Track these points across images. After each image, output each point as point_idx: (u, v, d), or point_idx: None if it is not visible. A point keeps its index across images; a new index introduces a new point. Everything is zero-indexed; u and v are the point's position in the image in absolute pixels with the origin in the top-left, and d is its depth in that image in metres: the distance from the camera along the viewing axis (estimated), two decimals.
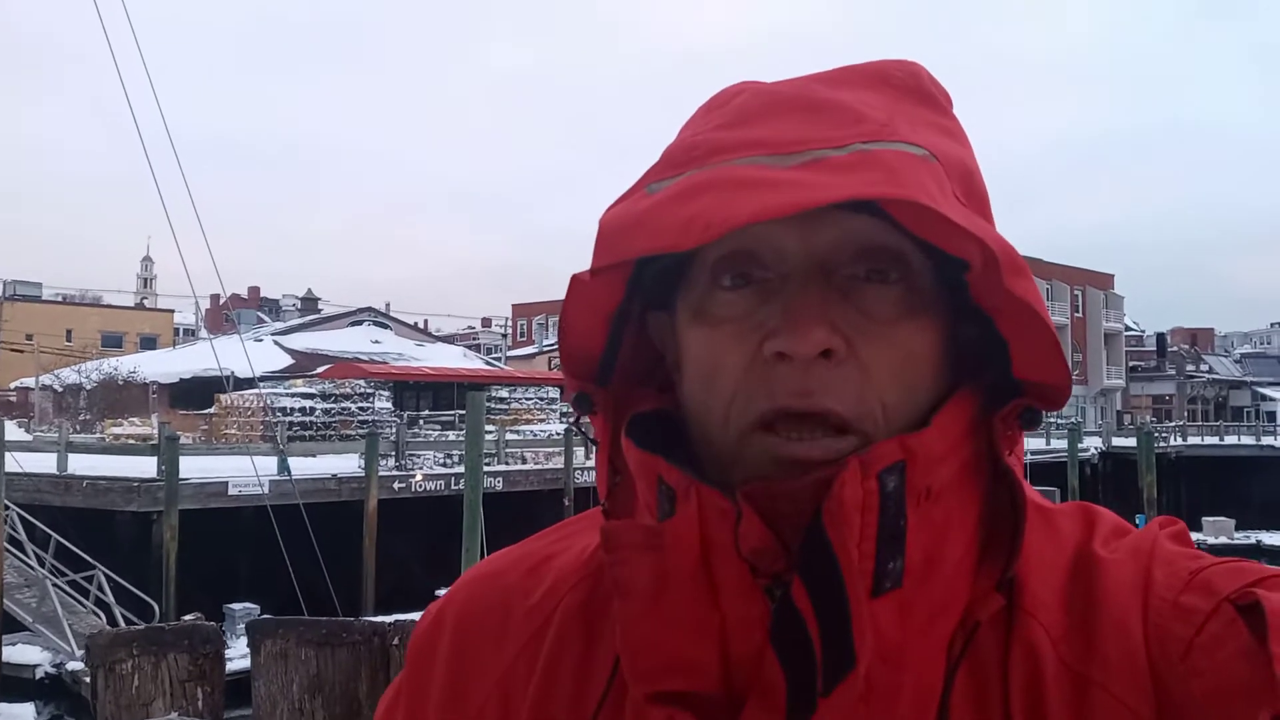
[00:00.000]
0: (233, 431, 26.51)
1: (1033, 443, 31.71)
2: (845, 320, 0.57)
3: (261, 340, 37.69)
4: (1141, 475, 22.84)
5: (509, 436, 24.47)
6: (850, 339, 0.57)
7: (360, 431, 24.34)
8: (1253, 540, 26.48)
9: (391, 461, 20.47)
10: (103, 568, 14.29)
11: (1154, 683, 0.54)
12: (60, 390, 36.45)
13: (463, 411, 17.92)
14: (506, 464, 21.97)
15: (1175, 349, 72.02)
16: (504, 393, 32.74)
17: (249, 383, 21.64)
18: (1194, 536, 0.62)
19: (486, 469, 14.54)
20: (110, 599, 14.07)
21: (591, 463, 0.69)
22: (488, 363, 46.22)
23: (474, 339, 70.26)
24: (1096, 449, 34.22)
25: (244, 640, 8.96)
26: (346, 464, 19.71)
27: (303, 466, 18.43)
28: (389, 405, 29.54)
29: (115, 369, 35.75)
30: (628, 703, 0.59)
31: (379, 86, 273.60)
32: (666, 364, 0.66)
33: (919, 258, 0.58)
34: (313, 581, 11.53)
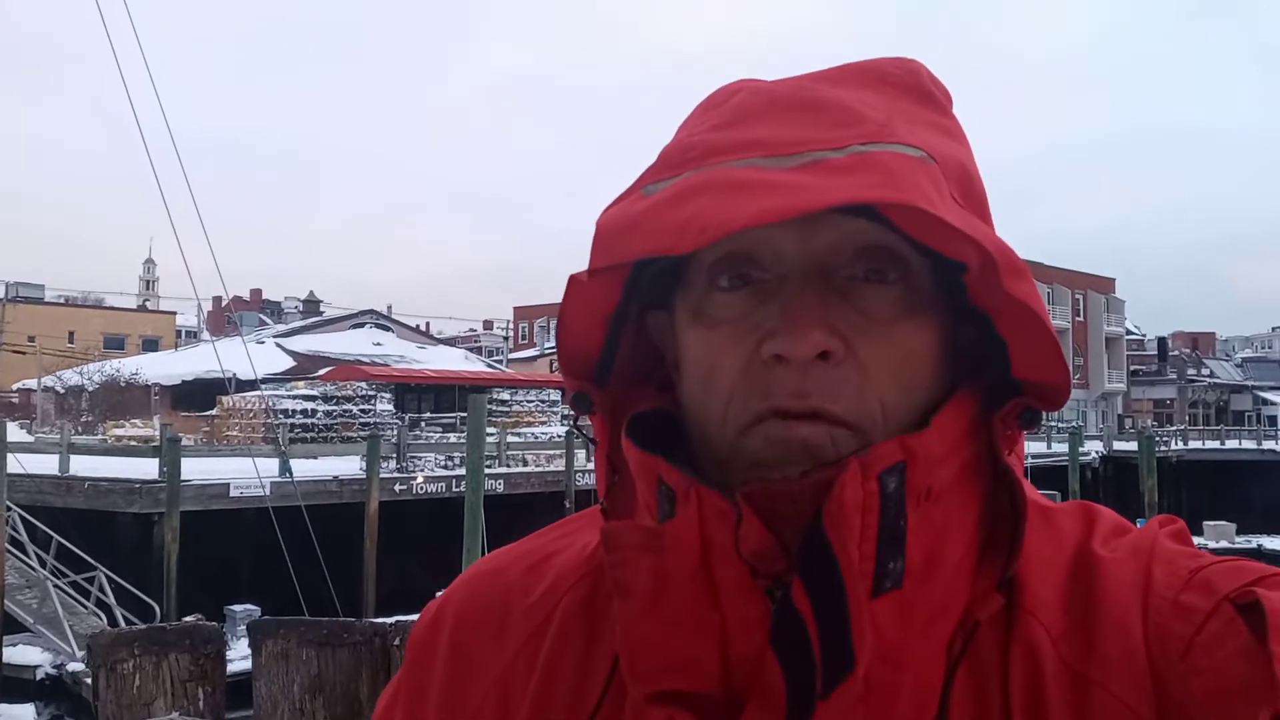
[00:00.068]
0: (234, 433, 26.52)
1: (1034, 446, 31.68)
2: (844, 321, 0.57)
3: (263, 342, 37.71)
4: (1142, 479, 22.85)
5: (510, 439, 24.47)
6: (849, 339, 0.57)
7: (362, 434, 24.34)
8: (1254, 545, 26.39)
9: (393, 464, 20.47)
10: (104, 569, 14.30)
11: (1154, 682, 0.54)
12: (62, 392, 36.45)
13: (464, 414, 17.93)
14: (508, 466, 21.98)
15: (1176, 353, 71.98)
16: (505, 395, 32.74)
17: (251, 384, 21.65)
18: (1195, 541, 0.62)
19: (488, 471, 14.54)
20: (111, 600, 14.08)
21: (592, 465, 0.69)
22: (489, 365, 46.23)
23: (475, 341, 70.26)
24: (1098, 453, 34.15)
25: (244, 642, 8.98)
26: (348, 466, 19.71)
27: (304, 468, 18.44)
28: (390, 407, 29.54)
29: (117, 370, 35.78)
30: (627, 702, 0.59)
31: (379, 86, 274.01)
32: (666, 363, 0.66)
33: (917, 258, 0.58)
34: (313, 583, 11.53)
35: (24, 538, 14.69)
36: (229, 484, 16.96)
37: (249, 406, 26.53)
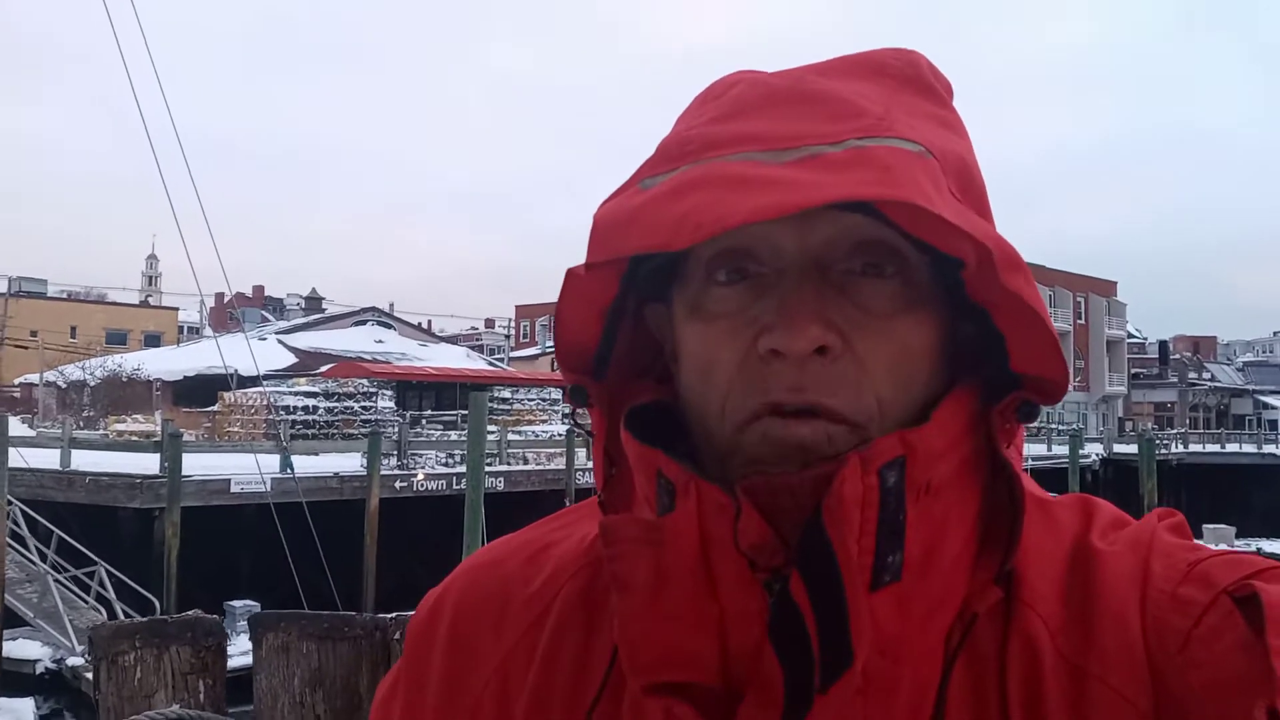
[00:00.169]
0: (236, 429, 26.54)
1: (1034, 448, 31.67)
2: (841, 315, 0.57)
3: (265, 339, 37.71)
4: (1143, 482, 22.79)
5: (511, 437, 24.47)
6: (846, 334, 0.57)
7: (363, 431, 24.34)
8: (1253, 548, 26.40)
9: (394, 461, 20.48)
10: (104, 564, 14.31)
11: (1152, 675, 0.54)
12: (64, 386, 36.49)
13: (465, 412, 17.94)
14: (508, 464, 21.98)
15: (1178, 356, 71.93)
16: (506, 393, 32.75)
17: (253, 381, 21.66)
18: None
19: (488, 469, 14.54)
20: (111, 595, 14.08)
21: (592, 464, 0.69)
22: (490, 363, 46.25)
23: (477, 339, 70.28)
24: (1098, 456, 34.13)
25: (244, 638, 8.99)
26: (349, 463, 19.72)
27: (305, 465, 18.44)
28: (392, 405, 29.55)
29: (119, 366, 35.83)
30: (625, 694, 0.59)
31: (381, 86, 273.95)
32: (665, 355, 0.66)
33: (915, 252, 0.58)
34: (314, 580, 11.54)
35: (25, 532, 14.69)
36: (230, 480, 16.96)
37: (251, 403, 26.54)
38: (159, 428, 21.60)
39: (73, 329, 52.27)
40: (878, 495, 0.54)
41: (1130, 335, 66.48)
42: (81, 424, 28.85)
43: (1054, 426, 38.81)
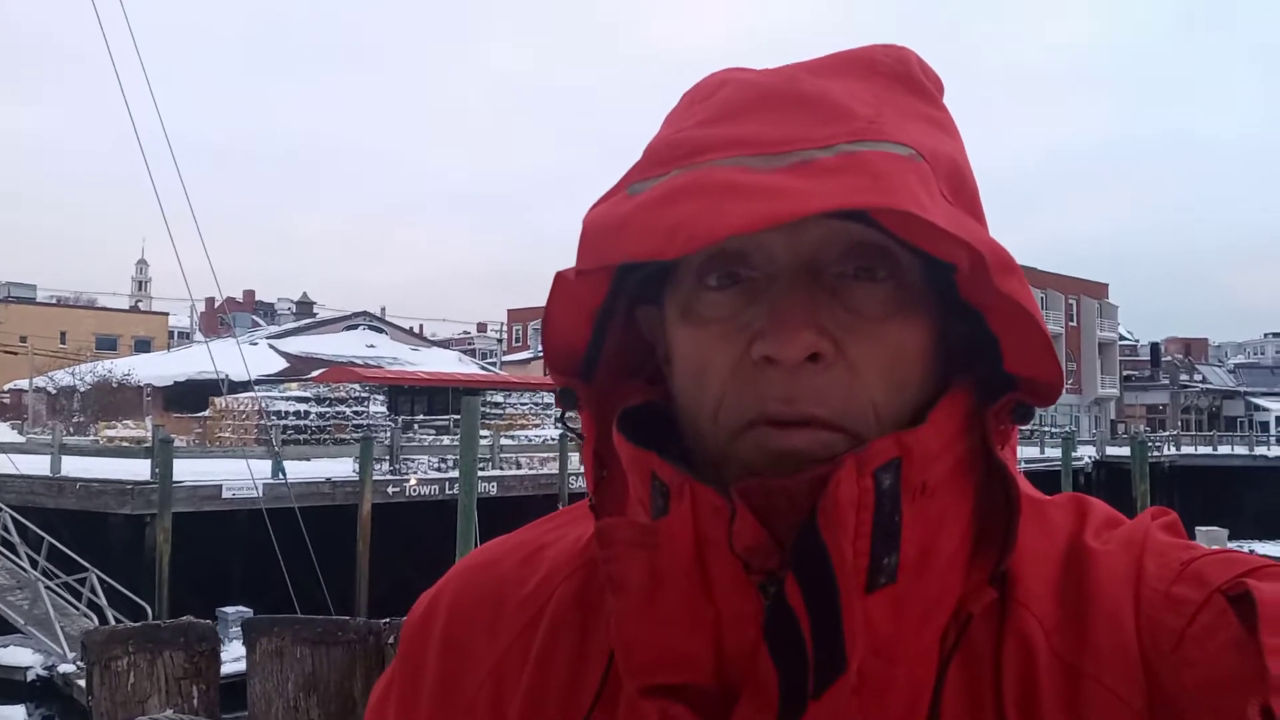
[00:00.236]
0: (227, 434, 26.47)
1: (1027, 451, 31.77)
2: (833, 320, 0.57)
3: (256, 343, 37.64)
4: (1135, 484, 22.90)
5: (504, 441, 24.44)
6: (838, 339, 0.57)
7: (355, 435, 24.32)
8: (1245, 550, 26.44)
9: (386, 466, 20.45)
10: (95, 570, 14.23)
11: (1145, 673, 0.54)
12: (54, 392, 36.33)
13: (457, 416, 17.90)
14: (501, 469, 21.96)
15: (1169, 358, 72.23)
16: (499, 398, 32.71)
17: (244, 386, 21.62)
18: None
19: (481, 474, 14.53)
20: (103, 601, 14.01)
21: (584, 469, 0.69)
22: (483, 368, 46.20)
23: (469, 344, 70.27)
24: (1090, 458, 34.26)
25: (236, 643, 8.95)
26: (341, 468, 19.67)
27: (296, 470, 18.40)
28: (384, 409, 29.50)
29: (109, 371, 35.68)
30: (622, 697, 0.59)
31: (378, 87, 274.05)
32: (657, 357, 0.66)
33: (907, 254, 0.58)
34: (307, 586, 11.51)
35: (15, 538, 14.63)
36: (221, 485, 16.92)
37: (242, 408, 26.48)
38: (150, 433, 21.54)
39: (62, 334, 52.06)
40: (873, 497, 0.54)
41: (1122, 337, 66.75)
42: (72, 430, 28.72)
43: (1046, 429, 38.94)
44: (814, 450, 0.56)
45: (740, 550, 0.56)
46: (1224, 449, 45.02)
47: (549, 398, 32.69)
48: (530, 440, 26.59)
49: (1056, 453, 28.77)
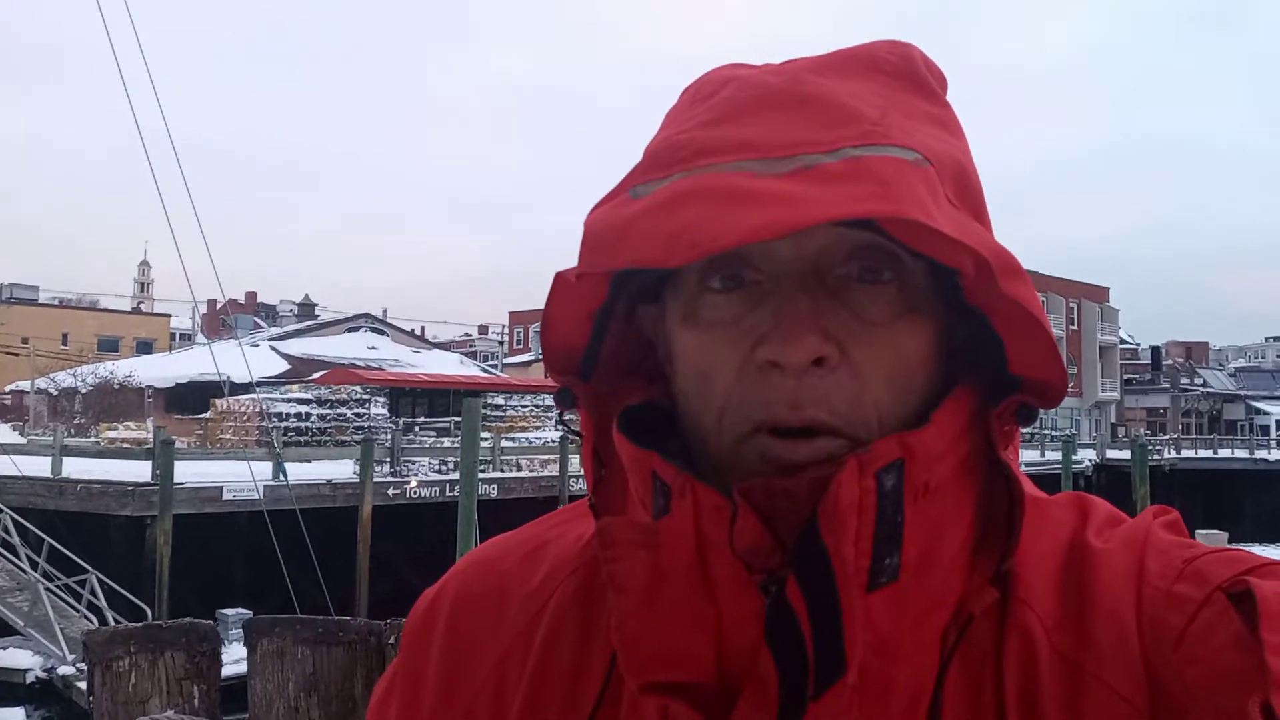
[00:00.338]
0: (228, 436, 26.48)
1: (1027, 454, 31.73)
2: (837, 324, 0.57)
3: (258, 345, 37.63)
4: (1135, 488, 22.89)
5: (504, 444, 24.44)
6: (843, 343, 0.57)
7: (356, 437, 24.32)
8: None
9: (386, 468, 20.45)
10: (96, 572, 14.24)
11: (1147, 671, 0.54)
12: (55, 394, 36.36)
13: (458, 418, 17.91)
14: (501, 471, 21.96)
15: (1170, 362, 72.17)
16: (500, 400, 32.72)
17: (245, 388, 21.62)
18: None
19: (481, 476, 14.53)
20: (103, 603, 14.02)
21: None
22: (484, 370, 46.20)
23: (470, 346, 70.31)
24: (1091, 461, 34.23)
25: (236, 646, 8.95)
26: (341, 470, 19.68)
27: (298, 472, 18.41)
28: (385, 411, 29.51)
29: (111, 373, 35.72)
30: (625, 695, 0.60)
31: (378, 91, 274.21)
32: (658, 356, 0.65)
33: (911, 257, 0.57)
34: (307, 588, 11.50)
35: (15, 540, 14.64)
36: (222, 487, 16.92)
37: (243, 410, 26.49)
38: (151, 435, 21.54)
39: (64, 336, 52.14)
40: (875, 499, 0.54)
41: (1123, 341, 66.69)
42: (73, 431, 28.74)
43: (1047, 432, 38.92)
44: (819, 460, 0.56)
45: (741, 550, 0.56)
46: (1224, 453, 45.01)
47: (550, 400, 32.55)
48: (531, 442, 26.59)
49: (1057, 456, 28.77)
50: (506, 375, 45.77)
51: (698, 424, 0.60)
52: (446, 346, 59.28)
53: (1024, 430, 0.62)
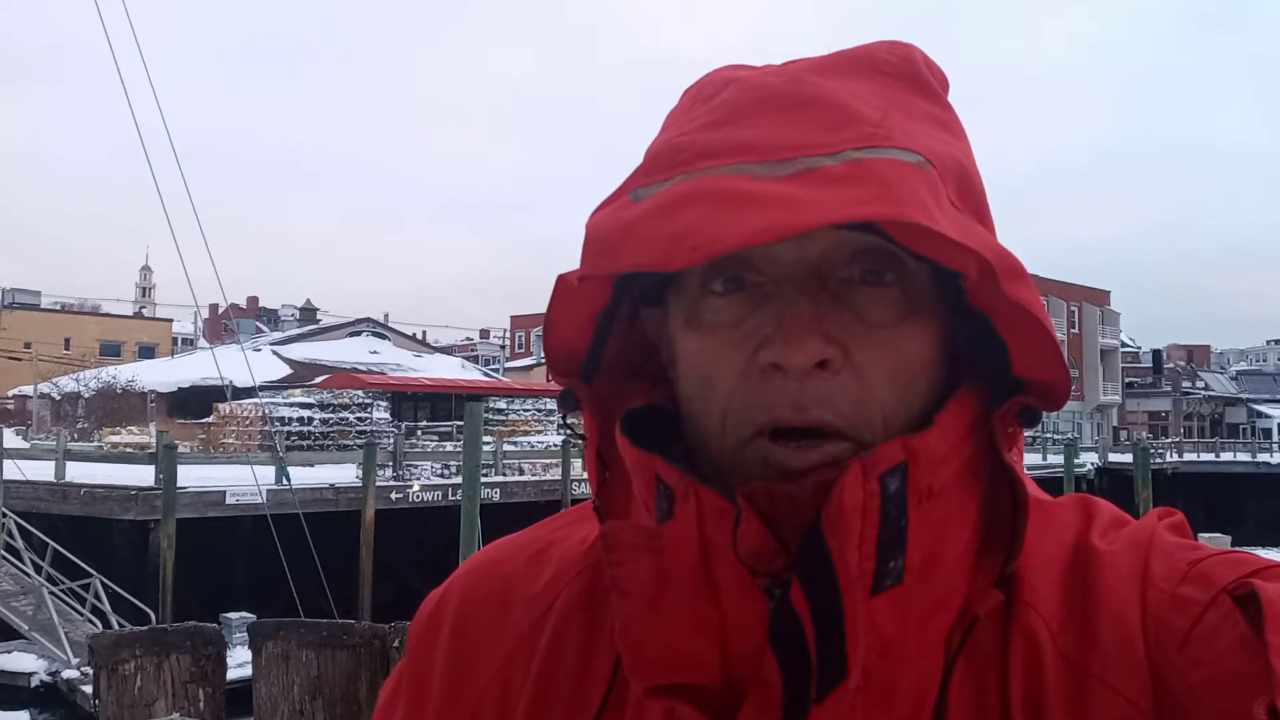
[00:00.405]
0: (231, 440, 26.50)
1: (1029, 458, 31.43)
2: (840, 326, 0.57)
3: (260, 350, 37.64)
4: (1137, 491, 22.87)
5: (506, 448, 24.44)
6: (846, 345, 0.57)
7: (358, 441, 24.32)
8: None
9: (389, 472, 20.44)
10: (100, 576, 14.26)
11: (1151, 673, 0.54)
12: (58, 398, 36.38)
13: (460, 422, 17.92)
14: (504, 475, 21.94)
15: (1171, 365, 72.05)
16: (502, 404, 32.71)
17: (248, 392, 21.62)
18: None
19: (484, 480, 14.53)
20: (107, 607, 14.03)
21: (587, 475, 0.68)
22: (486, 374, 46.17)
23: (472, 350, 70.24)
24: (1093, 464, 34.19)
25: (239, 650, 8.95)
26: (344, 474, 19.68)
27: (300, 476, 18.39)
28: (387, 416, 29.52)
29: (113, 377, 35.74)
30: (630, 696, 0.60)
31: (378, 92, 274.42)
32: (661, 358, 0.65)
33: (914, 259, 0.57)
34: (310, 592, 11.50)
35: (20, 544, 14.65)
36: (225, 491, 16.93)
37: (245, 414, 26.50)
38: (154, 439, 21.56)
39: (67, 340, 52.19)
40: (879, 502, 0.54)
41: (1124, 344, 66.61)
42: (76, 436, 28.76)
43: (1049, 436, 38.86)
44: (825, 466, 0.56)
45: (745, 554, 0.56)
46: (1226, 456, 44.95)
47: (552, 404, 32.54)
48: (533, 446, 26.59)
49: (1059, 459, 28.74)
50: (508, 379, 45.76)
51: (700, 426, 0.60)
52: (448, 351, 59.26)
53: (1026, 434, 0.62)
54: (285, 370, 36.12)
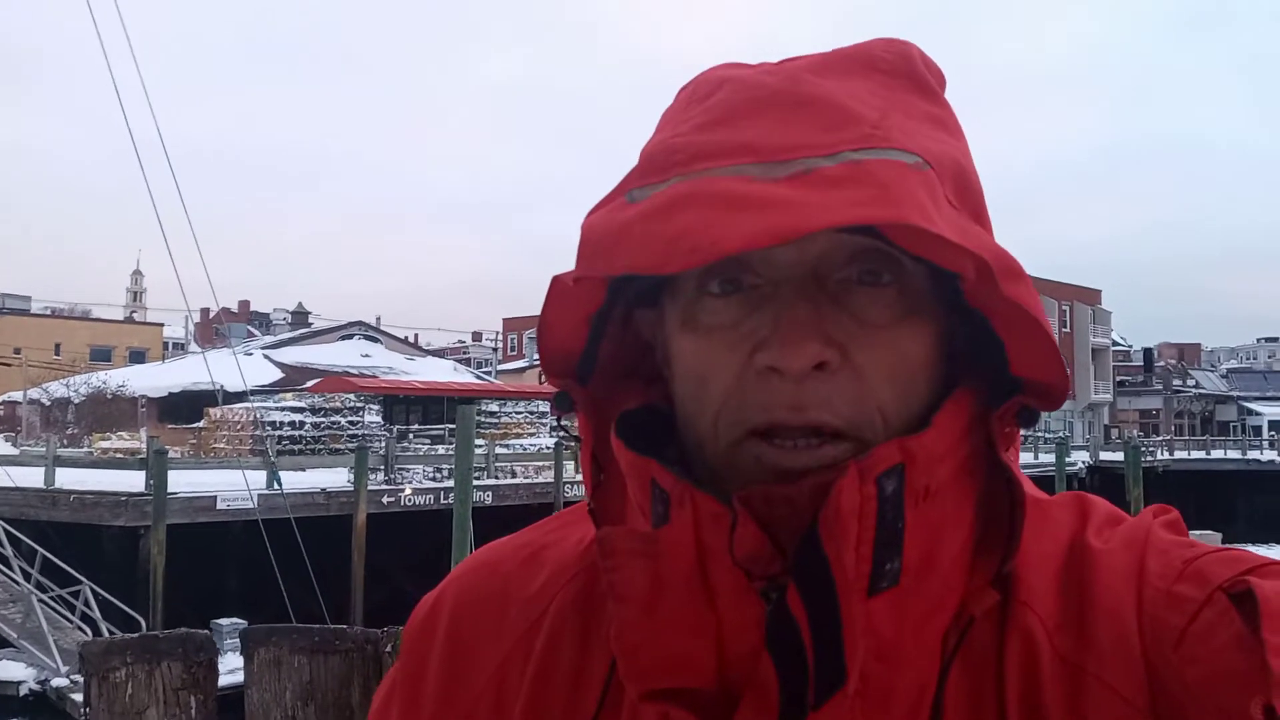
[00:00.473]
0: (222, 445, 26.43)
1: (1021, 457, 31.65)
2: (838, 328, 0.56)
3: (251, 354, 37.59)
4: (1129, 489, 22.90)
5: (499, 450, 24.41)
6: (844, 346, 0.56)
7: (350, 445, 24.27)
8: None
9: (381, 475, 20.41)
10: (89, 583, 14.19)
11: (1147, 672, 0.54)
12: (48, 404, 36.26)
13: (453, 425, 17.91)
14: (496, 478, 21.92)
15: (1162, 364, 72.39)
16: (494, 406, 32.71)
17: (239, 396, 21.59)
18: None
19: (476, 483, 14.50)
20: (97, 614, 13.96)
21: (581, 477, 0.68)
22: (478, 376, 46.18)
23: (464, 353, 70.27)
24: (1084, 463, 34.36)
25: (230, 656, 8.91)
26: (336, 478, 19.65)
27: (291, 480, 18.36)
28: (379, 419, 29.47)
29: (104, 382, 35.67)
30: (625, 699, 0.59)
31: (378, 93, 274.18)
32: (656, 359, 0.65)
33: (911, 259, 0.57)
34: (302, 597, 11.47)
35: (8, 551, 14.57)
36: (216, 497, 16.88)
37: (237, 419, 26.44)
38: (144, 445, 21.50)
39: (57, 346, 52.00)
40: (875, 504, 0.54)
41: (1115, 343, 66.89)
42: (66, 441, 28.65)
43: (1040, 435, 38.99)
44: (823, 466, 0.56)
45: (741, 558, 0.55)
46: (1217, 453, 45.17)
47: (544, 406, 32.65)
48: (526, 449, 26.56)
49: (1050, 458, 28.84)
50: (501, 382, 45.73)
51: (694, 428, 0.60)
52: (440, 353, 59.31)
53: (1027, 430, 0.62)
54: (277, 374, 36.07)
